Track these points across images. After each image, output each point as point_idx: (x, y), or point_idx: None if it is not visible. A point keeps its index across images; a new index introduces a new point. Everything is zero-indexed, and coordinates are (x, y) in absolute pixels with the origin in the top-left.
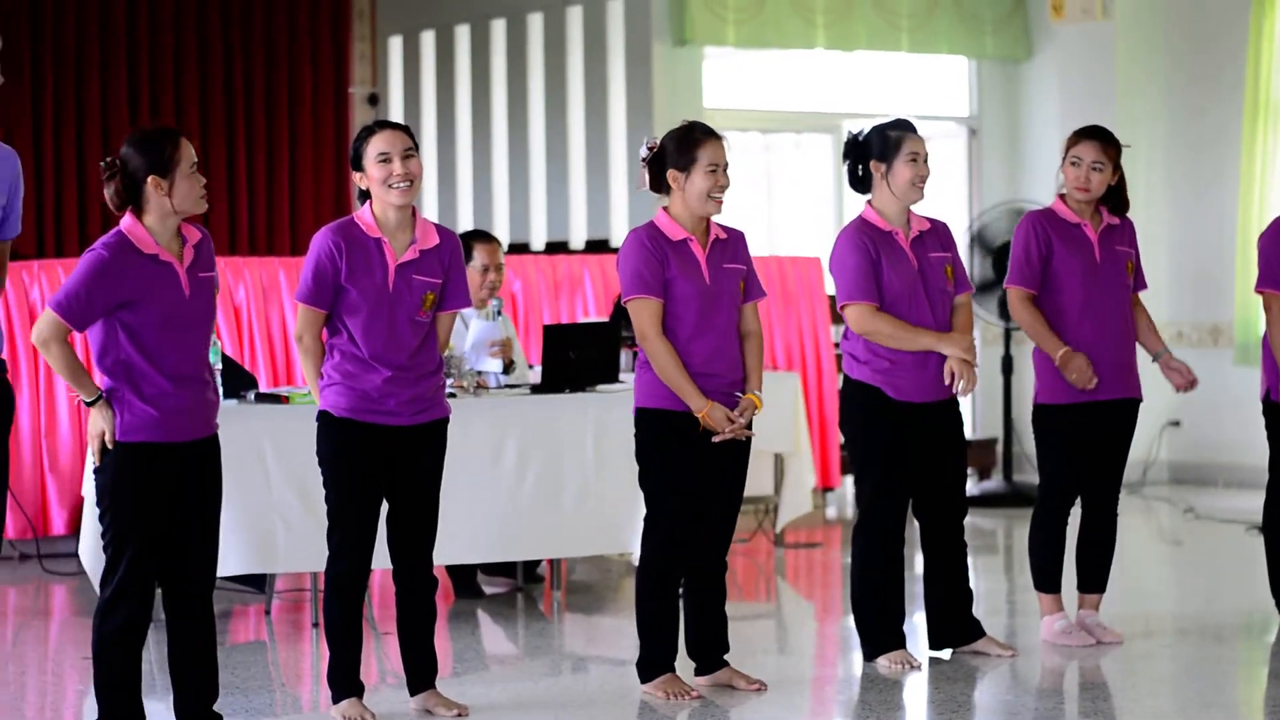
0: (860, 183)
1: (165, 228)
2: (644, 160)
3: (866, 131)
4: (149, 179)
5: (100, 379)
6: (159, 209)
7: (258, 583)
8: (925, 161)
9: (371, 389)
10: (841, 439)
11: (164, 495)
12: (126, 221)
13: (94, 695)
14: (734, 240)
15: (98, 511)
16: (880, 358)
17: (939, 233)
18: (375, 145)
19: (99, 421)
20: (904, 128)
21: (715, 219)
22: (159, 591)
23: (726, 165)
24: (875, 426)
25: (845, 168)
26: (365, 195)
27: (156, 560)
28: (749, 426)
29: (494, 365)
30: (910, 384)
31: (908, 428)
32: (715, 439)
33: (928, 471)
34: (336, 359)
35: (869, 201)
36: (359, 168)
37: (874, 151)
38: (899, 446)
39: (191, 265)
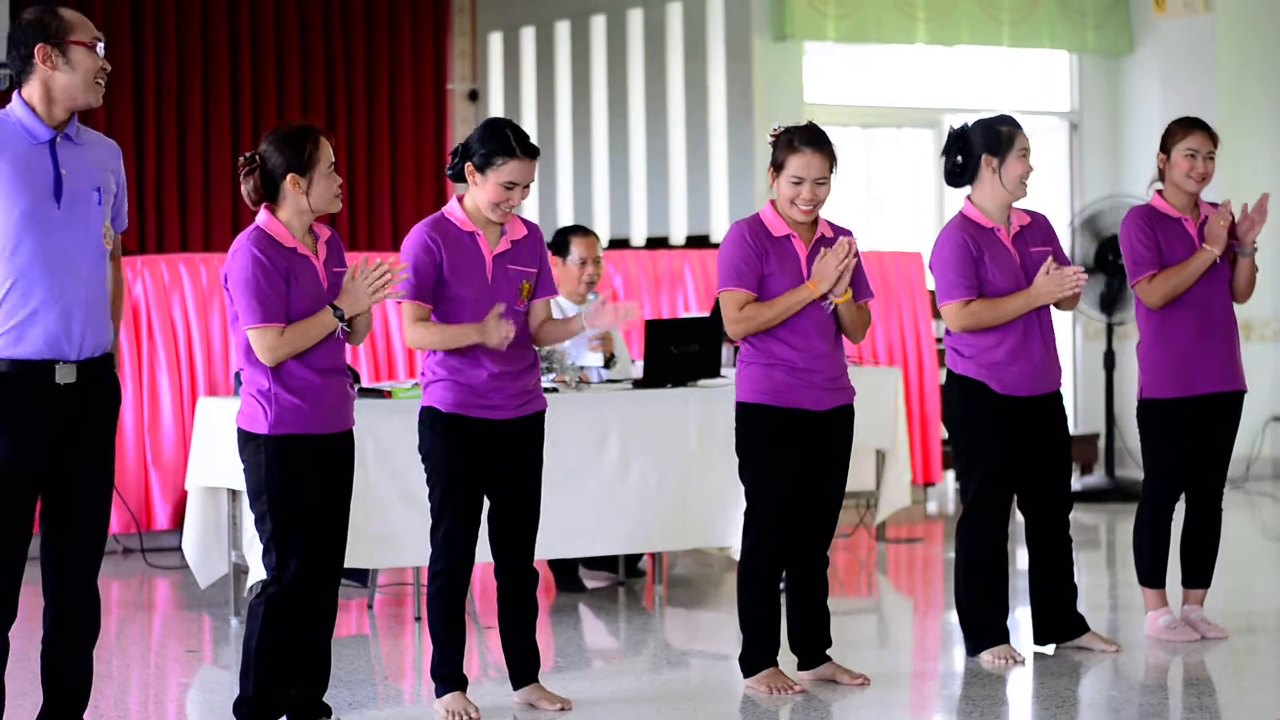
0: (958, 177)
1: (300, 224)
2: (769, 142)
3: (971, 125)
4: (288, 176)
5: (249, 376)
6: (294, 206)
7: (360, 576)
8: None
9: (478, 383)
10: (943, 434)
11: (317, 487)
12: (263, 217)
13: (238, 685)
14: (841, 240)
15: (254, 513)
16: (984, 351)
17: (1039, 226)
18: (509, 171)
19: (351, 304)
20: (1014, 124)
21: (825, 216)
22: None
23: (820, 180)
24: (980, 421)
25: (944, 161)
26: (458, 179)
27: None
28: (848, 432)
29: (595, 359)
30: (1015, 377)
31: (1012, 421)
32: (834, 298)
33: (1033, 466)
34: (440, 355)
35: (968, 198)
36: (481, 169)
37: (984, 146)
38: (1004, 440)
39: (326, 260)
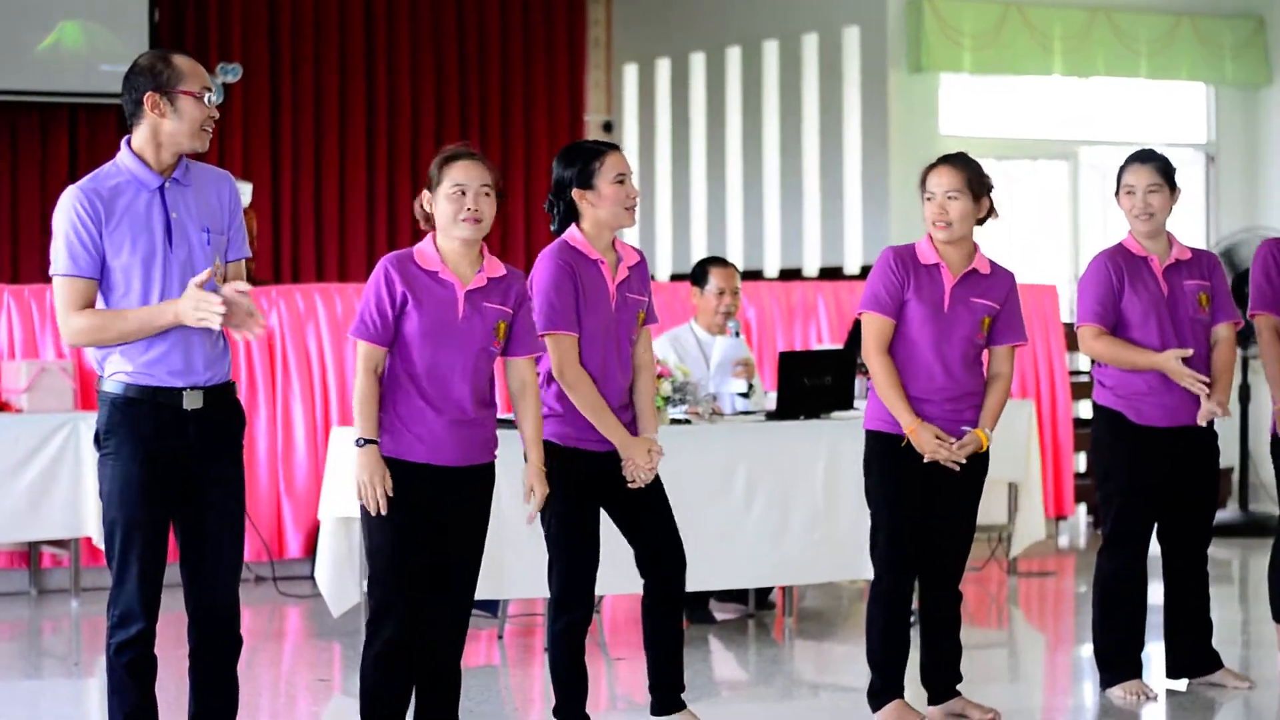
0: None
1: (447, 245)
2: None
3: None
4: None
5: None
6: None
7: (491, 607)
8: (1146, 193)
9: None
10: (1077, 467)
11: (408, 516)
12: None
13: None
14: (997, 279)
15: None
16: (1122, 383)
17: (1200, 263)
18: (611, 165)
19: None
20: (1132, 159)
21: (985, 253)
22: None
23: (949, 194)
24: (1118, 451)
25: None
26: (568, 222)
27: (413, 584)
28: (979, 465)
29: (738, 385)
30: (1152, 409)
31: (1151, 453)
32: (925, 458)
33: (1174, 498)
34: (555, 389)
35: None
36: (586, 184)
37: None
38: (1141, 471)
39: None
